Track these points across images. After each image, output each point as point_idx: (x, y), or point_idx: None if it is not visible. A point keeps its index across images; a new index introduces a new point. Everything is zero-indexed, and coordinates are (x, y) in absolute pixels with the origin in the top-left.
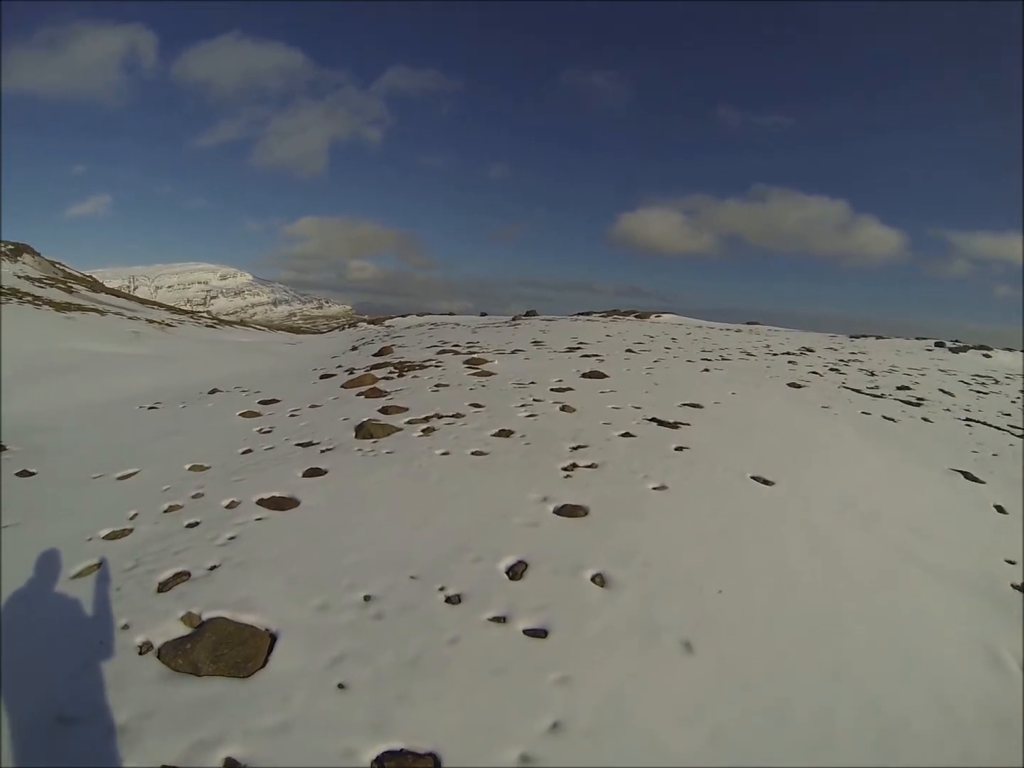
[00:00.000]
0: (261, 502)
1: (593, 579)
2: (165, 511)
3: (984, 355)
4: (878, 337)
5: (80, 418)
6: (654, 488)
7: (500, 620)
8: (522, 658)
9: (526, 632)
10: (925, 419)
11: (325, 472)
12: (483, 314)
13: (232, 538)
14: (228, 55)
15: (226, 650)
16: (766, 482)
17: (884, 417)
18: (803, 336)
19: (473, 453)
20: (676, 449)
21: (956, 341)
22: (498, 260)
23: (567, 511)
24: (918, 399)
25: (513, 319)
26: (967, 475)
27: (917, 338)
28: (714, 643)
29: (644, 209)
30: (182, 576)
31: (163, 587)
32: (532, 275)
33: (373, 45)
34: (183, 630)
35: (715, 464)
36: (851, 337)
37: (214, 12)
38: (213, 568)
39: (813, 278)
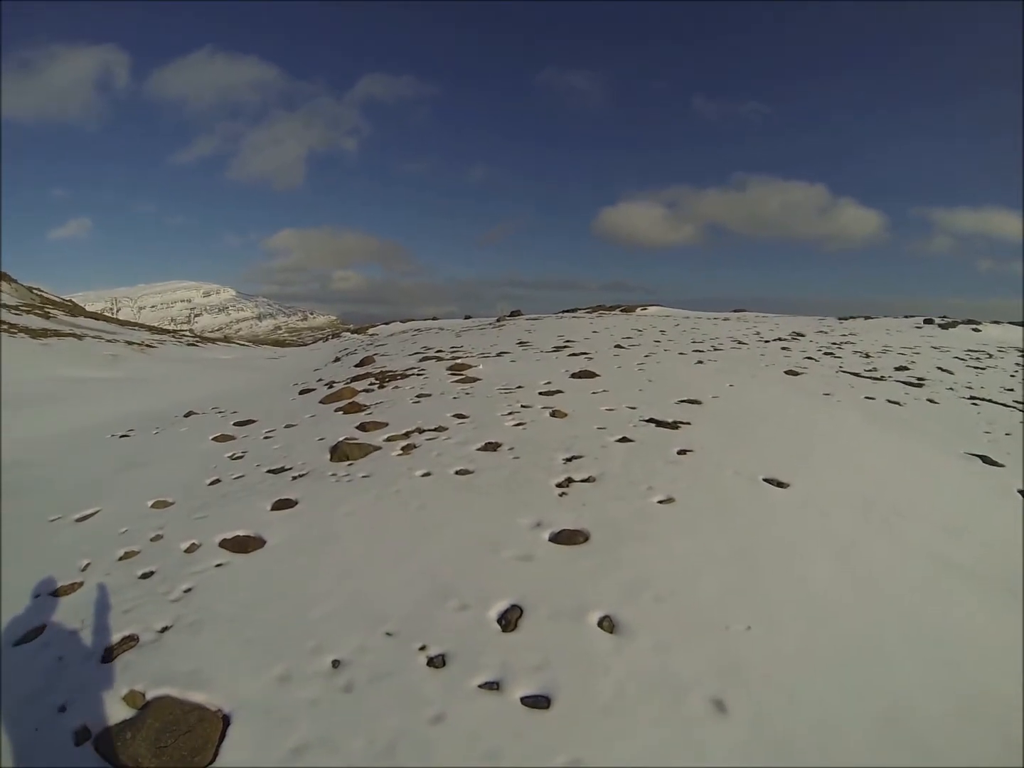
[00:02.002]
0: (224, 543)
1: (600, 624)
2: (120, 559)
3: (974, 329)
4: (867, 317)
5: (49, 450)
6: (659, 501)
7: (492, 687)
8: (521, 737)
9: (524, 701)
10: (930, 400)
11: (295, 504)
12: (467, 317)
13: (188, 591)
14: (201, 71)
15: (170, 740)
16: (779, 484)
17: (889, 401)
18: (792, 321)
19: (457, 472)
20: (679, 453)
21: (944, 317)
22: (482, 262)
23: (564, 538)
24: (918, 379)
25: (498, 320)
26: (984, 459)
27: (905, 316)
28: (748, 698)
29: (625, 203)
30: (129, 641)
31: (108, 656)
32: (517, 275)
33: (346, 54)
34: (126, 712)
35: (723, 467)
36: (840, 319)
37: (186, 29)
38: (164, 630)
39: (797, 263)
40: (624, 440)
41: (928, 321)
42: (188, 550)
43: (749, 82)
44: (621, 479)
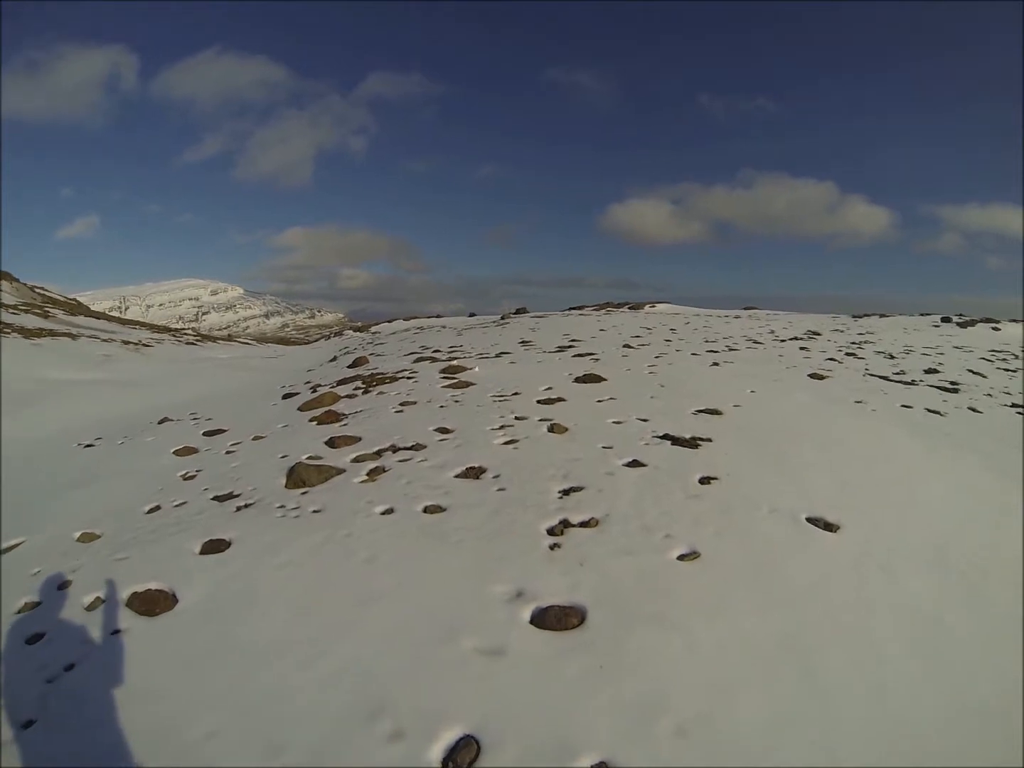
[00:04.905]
0: (132, 599)
1: None
2: (18, 611)
3: (993, 328)
4: (882, 315)
5: (4, 463)
6: (680, 557)
7: None
8: None
9: None
10: (972, 409)
11: (227, 546)
12: (472, 314)
13: (68, 668)
14: (209, 71)
15: None
16: (828, 526)
17: (928, 410)
18: (804, 319)
19: (425, 510)
20: (701, 481)
21: (961, 315)
22: (489, 260)
23: (552, 618)
24: (952, 384)
25: (502, 318)
26: None
27: (921, 314)
28: None
29: (632, 200)
30: None
31: None
32: (523, 273)
33: (353, 52)
34: None
35: (756, 502)
36: (854, 317)
37: (194, 29)
38: (27, 725)
39: (805, 260)
40: (635, 464)
41: (946, 319)
42: (90, 606)
43: (756, 79)
44: (631, 522)
